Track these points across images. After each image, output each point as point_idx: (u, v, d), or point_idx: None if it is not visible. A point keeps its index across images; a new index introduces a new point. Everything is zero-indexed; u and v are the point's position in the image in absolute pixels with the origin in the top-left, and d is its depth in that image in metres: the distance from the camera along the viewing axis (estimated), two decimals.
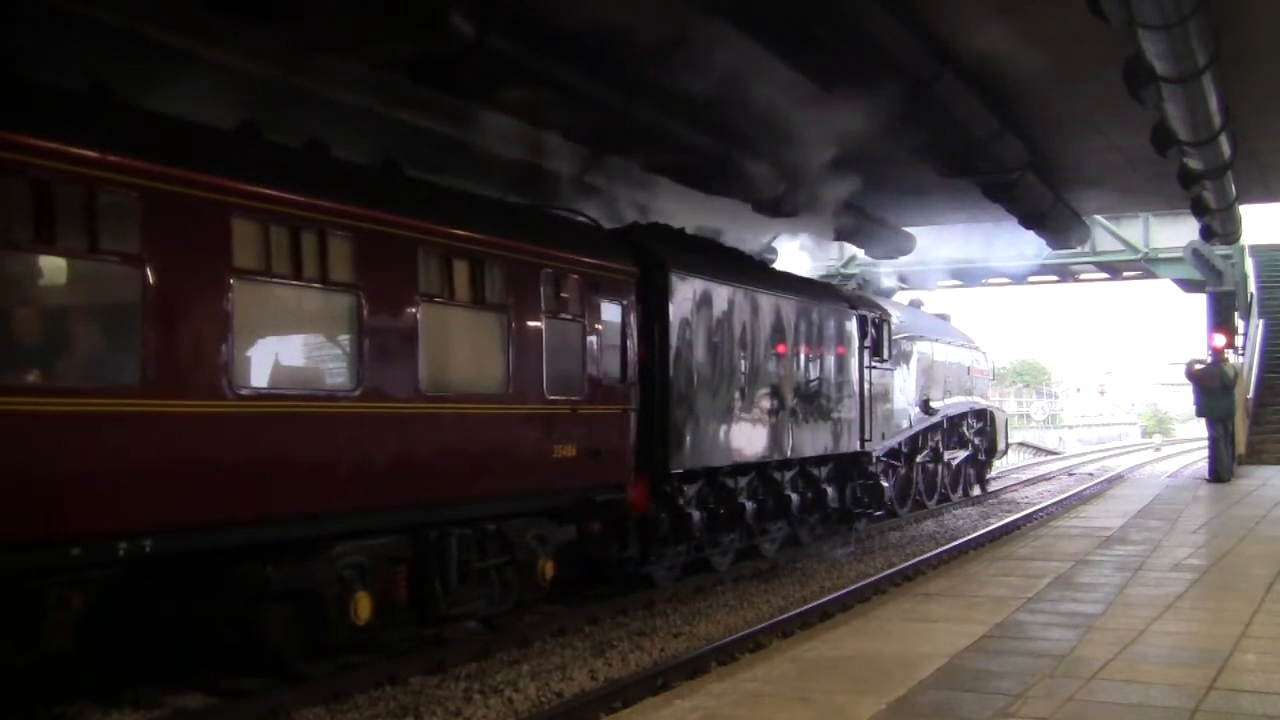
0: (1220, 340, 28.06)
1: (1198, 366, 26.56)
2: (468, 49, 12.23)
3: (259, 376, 9.69)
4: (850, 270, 34.59)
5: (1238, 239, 30.66)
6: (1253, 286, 35.87)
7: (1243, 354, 32.68)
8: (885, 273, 34.09)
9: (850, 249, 33.13)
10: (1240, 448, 26.79)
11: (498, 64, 12.77)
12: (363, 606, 10.47)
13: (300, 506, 9.86)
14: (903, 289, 36.02)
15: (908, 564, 17.70)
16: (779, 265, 23.51)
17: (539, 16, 13.13)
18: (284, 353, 10.35)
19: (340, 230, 10.16)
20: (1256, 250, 36.34)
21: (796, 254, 29.31)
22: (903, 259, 30.59)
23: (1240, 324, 34.92)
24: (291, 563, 9.97)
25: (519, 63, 13.12)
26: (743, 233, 23.03)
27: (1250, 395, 29.59)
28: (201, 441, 8.99)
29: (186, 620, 10.02)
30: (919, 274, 36.10)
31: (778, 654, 9.70)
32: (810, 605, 14.36)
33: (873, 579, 16.33)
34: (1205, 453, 27.78)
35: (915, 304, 29.59)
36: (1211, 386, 25.33)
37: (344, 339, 10.44)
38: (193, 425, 8.92)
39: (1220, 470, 25.18)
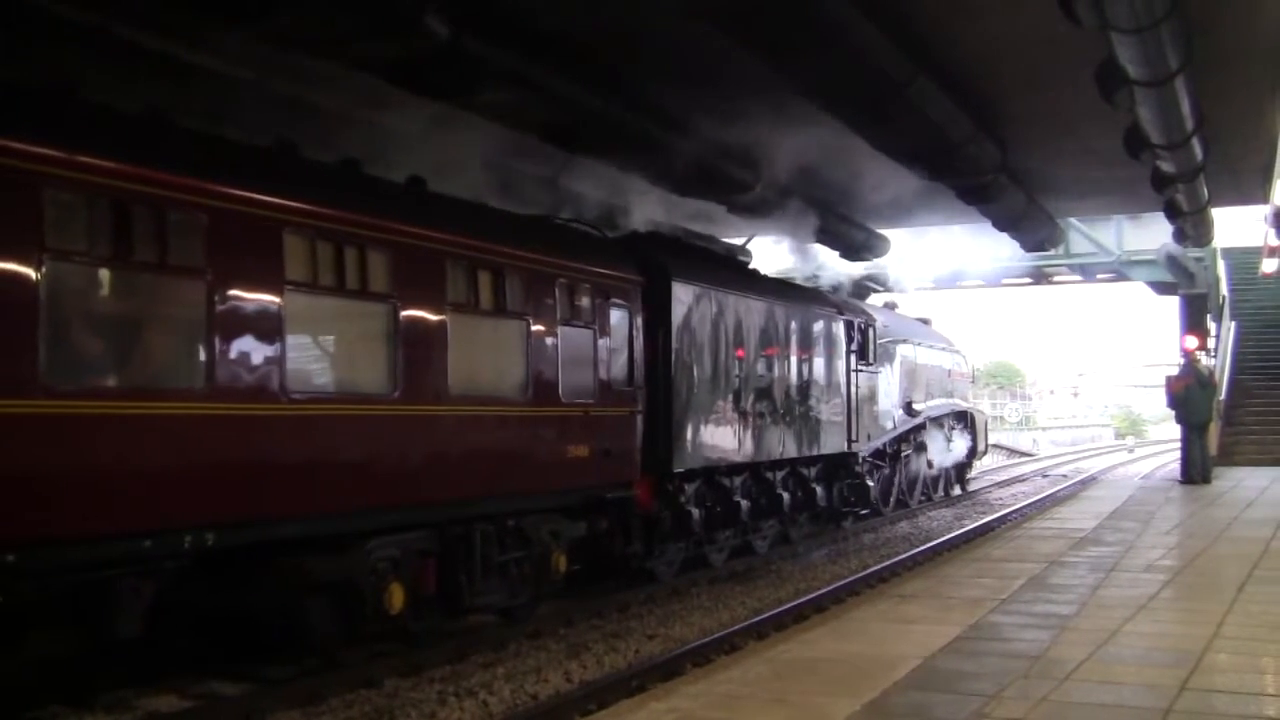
0: (1192, 342, 28.19)
1: (1172, 376, 26.67)
2: (443, 50, 12.21)
3: (309, 381, 10.35)
4: (823, 272, 34.61)
5: (1210, 242, 30.83)
6: (1225, 289, 36.05)
7: (1215, 356, 32.84)
8: (858, 275, 34.10)
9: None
10: (1212, 449, 26.89)
11: (473, 65, 12.76)
12: (396, 597, 11.08)
13: (342, 503, 10.52)
14: (877, 291, 36.06)
15: (883, 565, 17.77)
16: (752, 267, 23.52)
17: (515, 18, 13.11)
18: (330, 358, 11.08)
19: (378, 244, 10.88)
20: (1228, 253, 36.53)
21: (771, 255, 29.40)
22: (877, 261, 30.64)
23: (1212, 326, 35.10)
24: (332, 556, 10.58)
25: (495, 64, 13.10)
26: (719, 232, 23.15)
27: (1223, 397, 29.73)
28: (259, 442, 9.71)
29: (234, 611, 10.62)
30: (893, 276, 36.12)
31: (753, 655, 9.68)
32: (786, 607, 14.40)
33: (848, 580, 16.40)
34: (1178, 454, 27.89)
35: (890, 306, 29.77)
36: (1189, 386, 25.39)
37: (382, 346, 11.06)
38: (251, 426, 9.62)
39: (1193, 472, 25.26)
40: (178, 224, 9.01)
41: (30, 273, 8.01)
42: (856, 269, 31.96)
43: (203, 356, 9.21)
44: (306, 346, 10.43)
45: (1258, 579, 12.49)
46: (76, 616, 8.87)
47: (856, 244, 27.18)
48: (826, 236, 25.33)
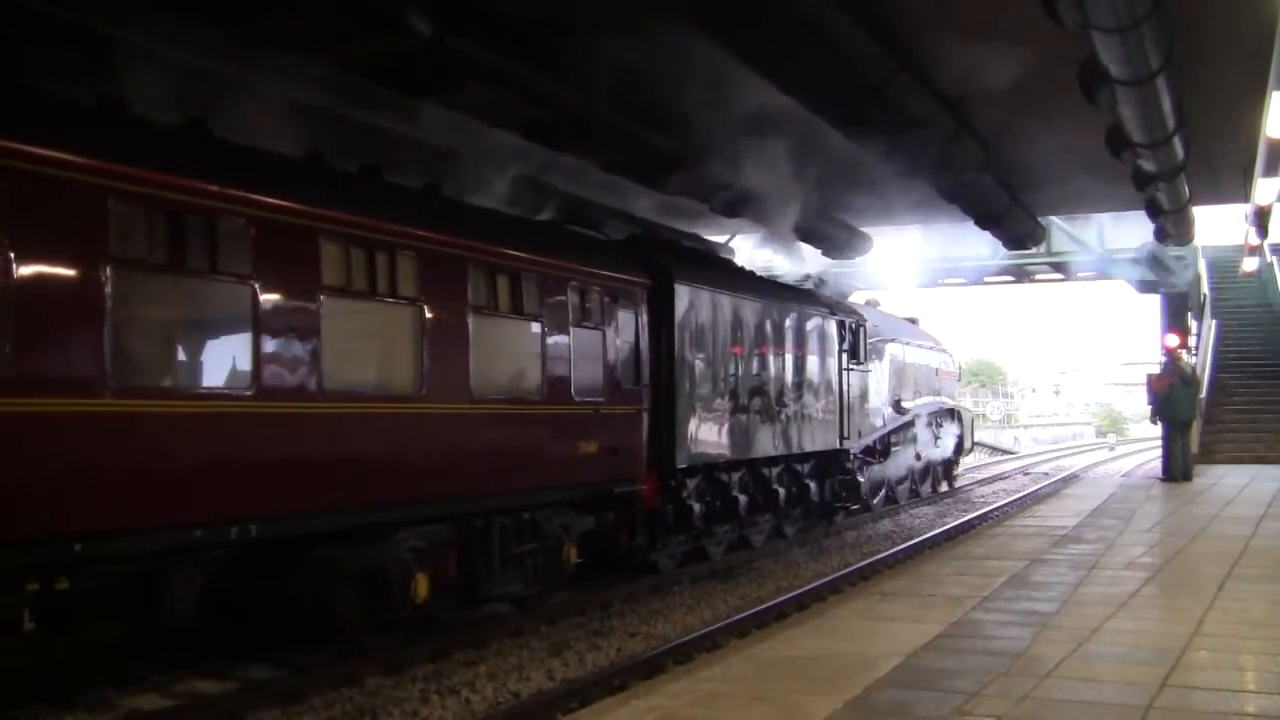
0: (1174, 340, 28.27)
1: (1154, 374, 26.74)
2: (425, 48, 12.20)
3: (343, 381, 10.81)
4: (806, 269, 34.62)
5: (1191, 240, 30.92)
6: (1205, 287, 36.17)
7: (1196, 354, 32.95)
8: (841, 272, 34.13)
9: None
10: (1193, 447, 26.97)
11: (455, 63, 12.74)
12: (422, 586, 11.62)
13: (374, 496, 11.09)
14: (859, 289, 36.12)
15: (864, 563, 17.79)
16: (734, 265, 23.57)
17: (497, 15, 13.09)
18: (362, 359, 11.55)
19: (406, 250, 11.44)
20: (1209, 251, 36.66)
21: (754, 253, 29.45)
22: (859, 259, 30.70)
23: (1193, 324, 35.22)
24: (363, 547, 11.12)
25: (477, 62, 13.09)
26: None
27: (1203, 395, 29.83)
28: (299, 437, 10.30)
29: (272, 600, 11.02)
30: (876, 274, 36.18)
31: (735, 654, 9.70)
32: (767, 605, 14.40)
33: (829, 578, 16.41)
34: (1159, 452, 27.97)
35: (872, 304, 29.89)
36: (1173, 385, 25.44)
37: (409, 347, 11.63)
38: (293, 424, 10.20)
39: (1174, 470, 25.34)
40: (227, 233, 9.55)
41: (98, 279, 8.57)
42: (837, 266, 32.05)
43: (250, 358, 9.79)
44: (342, 348, 10.84)
45: (1238, 576, 12.54)
46: (132, 604, 9.41)
47: (838, 242, 27.24)
48: (808, 234, 25.37)
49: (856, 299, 30.65)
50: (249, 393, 9.76)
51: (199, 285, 9.56)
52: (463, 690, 10.68)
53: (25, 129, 8.34)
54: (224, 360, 9.99)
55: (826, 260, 29.69)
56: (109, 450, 8.65)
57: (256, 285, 9.79)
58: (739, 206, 20.98)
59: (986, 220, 24.08)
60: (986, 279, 39.41)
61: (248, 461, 9.75)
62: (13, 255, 8.08)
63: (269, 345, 9.91)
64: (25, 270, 8.15)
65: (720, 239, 28.98)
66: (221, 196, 9.56)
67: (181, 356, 9.81)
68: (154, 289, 9.28)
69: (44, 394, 8.23)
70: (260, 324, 9.82)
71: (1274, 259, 36.85)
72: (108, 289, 8.60)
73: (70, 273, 8.45)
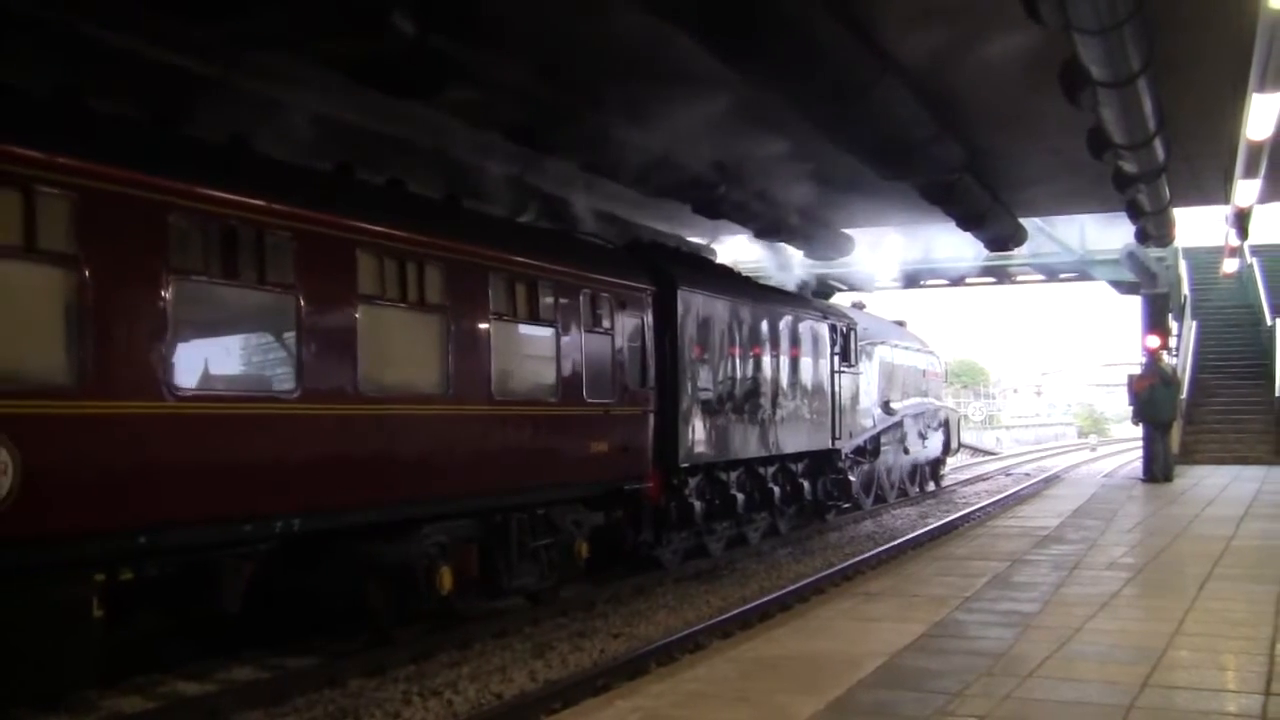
0: (1155, 342, 28.35)
1: (1135, 375, 26.80)
2: (409, 48, 12.18)
3: (378, 383, 11.34)
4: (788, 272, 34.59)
5: (1171, 242, 30.98)
6: (1186, 289, 36.27)
7: (1177, 355, 33.04)
8: (823, 274, 34.14)
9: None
10: (1174, 447, 27.04)
11: (439, 63, 12.73)
12: (446, 579, 12.16)
13: (404, 493, 11.66)
14: (841, 290, 36.14)
15: (847, 564, 17.85)
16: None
17: (481, 16, 13.07)
18: (394, 363, 12.01)
19: (434, 260, 12.05)
20: (1190, 253, 36.76)
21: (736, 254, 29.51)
22: (841, 260, 30.71)
23: (1174, 325, 35.30)
24: (392, 542, 11.70)
25: (460, 62, 13.08)
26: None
27: (1184, 396, 29.93)
28: (338, 437, 10.85)
29: (307, 592, 11.63)
30: (859, 276, 36.17)
31: (718, 654, 9.69)
32: (750, 605, 14.43)
33: (812, 579, 16.45)
34: (1140, 453, 28.04)
35: (858, 305, 30.01)
36: (1154, 386, 25.50)
37: (437, 351, 12.23)
38: (333, 424, 10.79)
39: (1155, 470, 25.41)
40: (273, 246, 10.14)
41: (159, 290, 9.12)
42: (820, 268, 32.10)
43: (294, 363, 10.42)
44: (376, 353, 11.35)
45: (1219, 576, 12.59)
46: (187, 594, 10.20)
47: (822, 243, 27.25)
48: (791, 236, 25.38)
49: (840, 300, 30.78)
50: (294, 395, 10.34)
51: (249, 295, 10.14)
52: (445, 691, 10.69)
53: (94, 148, 8.81)
54: (272, 365, 10.65)
55: (808, 261, 29.75)
56: (168, 448, 9.19)
57: (300, 295, 10.35)
58: (721, 206, 20.95)
59: (969, 221, 24.08)
60: (968, 280, 39.45)
61: (292, 459, 10.34)
62: (87, 272, 8.56)
63: (311, 351, 10.49)
64: (98, 281, 8.63)
65: (701, 240, 29.00)
66: (269, 211, 10.12)
67: (234, 362, 10.57)
68: (210, 299, 9.83)
69: (113, 397, 8.75)
70: (303, 330, 10.41)
71: (1254, 260, 36.99)
72: (169, 298, 9.16)
73: (136, 284, 8.98)
